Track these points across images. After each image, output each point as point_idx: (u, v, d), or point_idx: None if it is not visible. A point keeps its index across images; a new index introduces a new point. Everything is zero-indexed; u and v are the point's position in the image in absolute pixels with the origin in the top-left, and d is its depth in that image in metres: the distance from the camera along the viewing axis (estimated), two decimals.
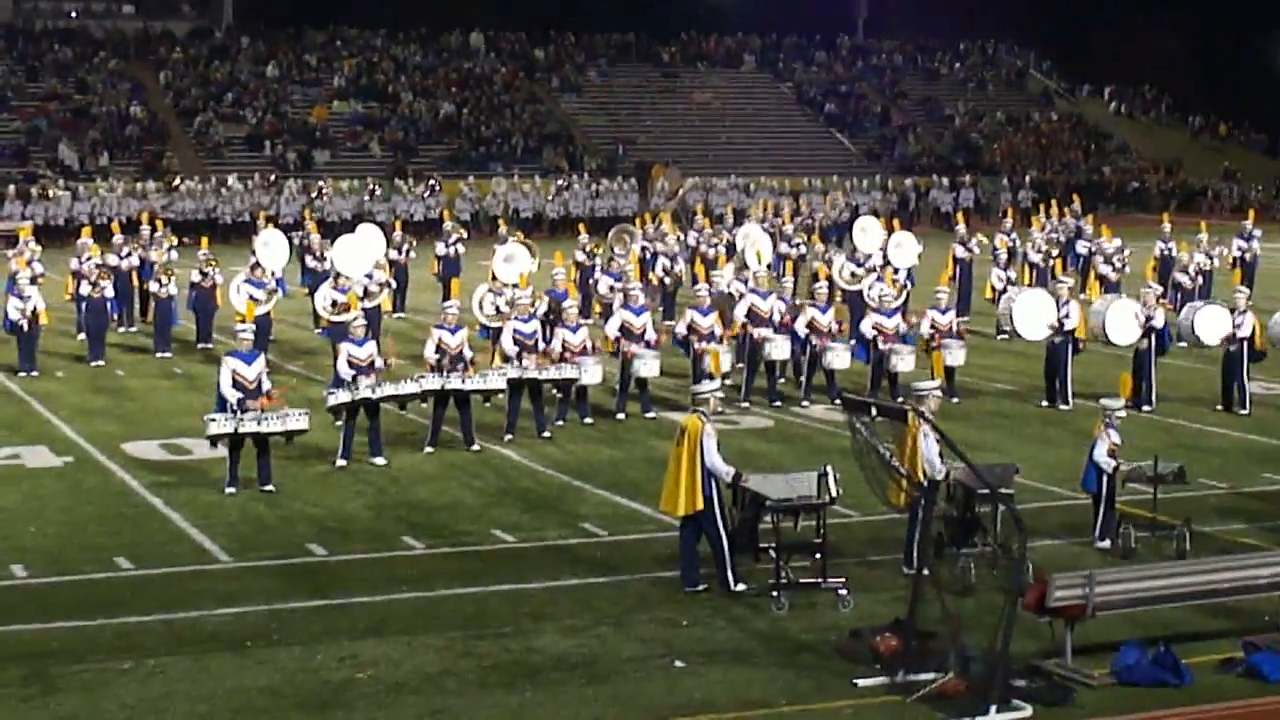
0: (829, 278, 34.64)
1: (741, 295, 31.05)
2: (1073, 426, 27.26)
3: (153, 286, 36.16)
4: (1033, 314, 29.88)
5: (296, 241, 42.53)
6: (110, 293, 35.12)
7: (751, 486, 18.48)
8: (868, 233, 41.13)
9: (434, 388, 25.45)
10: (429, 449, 25.65)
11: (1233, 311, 29.55)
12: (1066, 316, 29.46)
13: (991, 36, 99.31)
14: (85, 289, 34.60)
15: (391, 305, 37.83)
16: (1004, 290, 35.14)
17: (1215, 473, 24.42)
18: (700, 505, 18.20)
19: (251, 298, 32.39)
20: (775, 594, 17.85)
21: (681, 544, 18.68)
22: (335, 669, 16.01)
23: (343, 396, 24.38)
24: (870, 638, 16.21)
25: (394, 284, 37.84)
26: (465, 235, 43.06)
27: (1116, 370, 23.26)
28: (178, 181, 67.55)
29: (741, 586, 18.31)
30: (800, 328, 29.80)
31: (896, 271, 37.03)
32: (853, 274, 37.00)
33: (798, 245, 43.65)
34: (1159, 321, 29.34)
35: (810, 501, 18.31)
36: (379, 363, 24.81)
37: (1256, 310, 30.38)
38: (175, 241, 41.60)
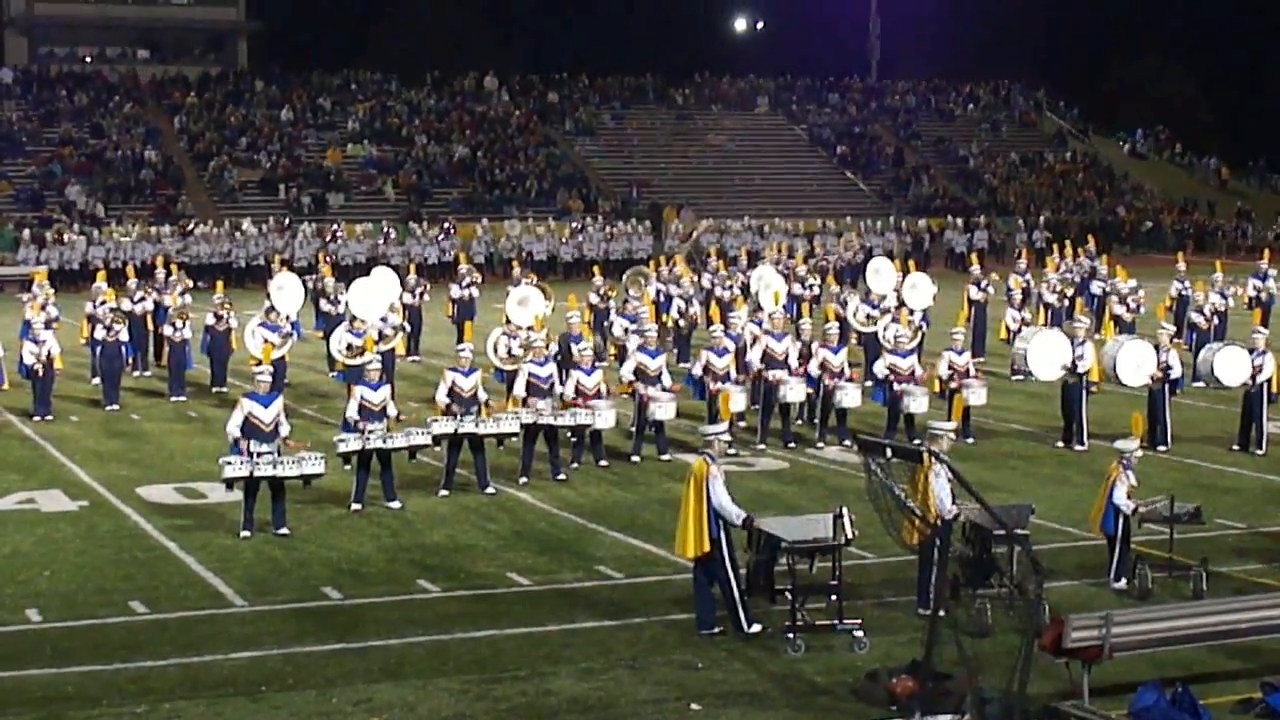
0: (840, 318, 34.67)
1: (756, 338, 31.06)
2: (1088, 467, 27.20)
3: (167, 330, 36.19)
4: (1048, 354, 29.83)
5: (311, 285, 42.56)
6: (125, 337, 35.06)
7: (767, 528, 18.46)
8: (881, 274, 41.04)
9: (447, 431, 25.43)
10: (443, 492, 25.61)
11: (1252, 352, 29.51)
12: (1080, 357, 29.44)
13: (1005, 77, 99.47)
14: (100, 333, 34.61)
15: (406, 348, 37.87)
16: (1019, 331, 35.14)
17: (1232, 513, 24.36)
18: (707, 548, 18.18)
19: (266, 341, 32.45)
20: (791, 636, 17.81)
21: (695, 587, 18.66)
22: (351, 712, 15.97)
23: (353, 444, 24.36)
24: (886, 679, 16.16)
25: (408, 327, 37.89)
26: (479, 278, 43.09)
27: (1132, 411, 23.20)
28: (192, 225, 67.69)
29: (756, 627, 18.26)
30: (813, 369, 29.79)
31: (912, 313, 36.96)
32: (868, 316, 37.00)
33: (811, 287, 43.64)
34: (1176, 371, 29.33)
35: (826, 543, 18.28)
36: (391, 409, 24.79)
37: (1276, 351, 30.28)
38: (190, 285, 41.62)
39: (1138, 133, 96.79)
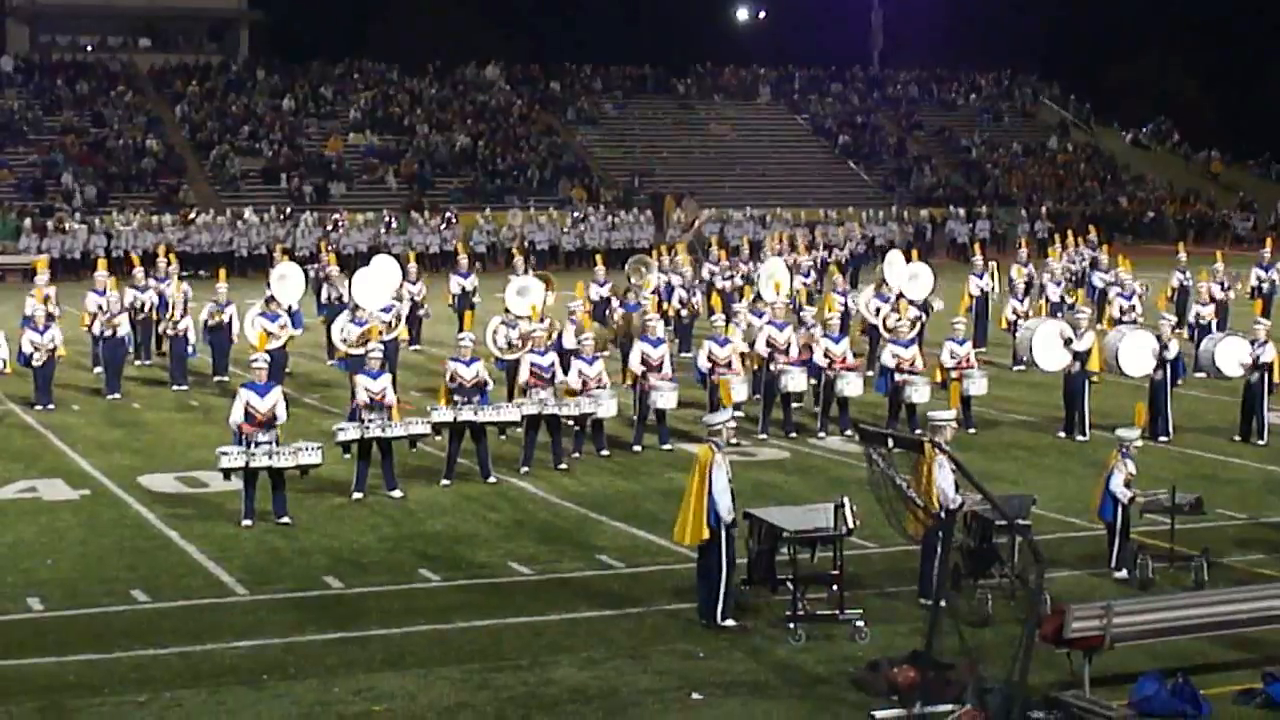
0: (842, 308, 34.65)
1: (755, 327, 31.04)
2: (1090, 457, 27.17)
3: (163, 326, 36.19)
4: (1050, 344, 29.83)
5: (313, 274, 42.52)
6: (126, 326, 35.04)
7: (768, 518, 18.47)
8: (895, 267, 40.34)
9: (448, 420, 25.41)
10: (445, 482, 25.60)
11: (1253, 342, 29.51)
12: (1084, 348, 29.43)
13: (1008, 67, 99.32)
14: (101, 323, 34.55)
15: (408, 338, 37.82)
16: (1020, 321, 35.08)
17: (1233, 503, 24.37)
18: (706, 535, 18.13)
19: (265, 330, 32.44)
20: (792, 626, 17.82)
21: (697, 576, 18.64)
22: (352, 702, 15.98)
23: (352, 433, 24.36)
24: (888, 669, 16.17)
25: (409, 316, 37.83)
26: (480, 267, 43.02)
27: (1134, 401, 23.20)
28: (194, 215, 67.59)
29: (730, 623, 18.25)
30: (816, 359, 29.78)
31: (914, 304, 36.76)
32: (877, 309, 36.84)
33: (813, 277, 43.56)
34: (1172, 354, 29.30)
35: (827, 533, 18.29)
36: (390, 397, 24.76)
37: (1277, 341, 30.25)
38: (191, 273, 41.47)
39: (1146, 127, 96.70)
